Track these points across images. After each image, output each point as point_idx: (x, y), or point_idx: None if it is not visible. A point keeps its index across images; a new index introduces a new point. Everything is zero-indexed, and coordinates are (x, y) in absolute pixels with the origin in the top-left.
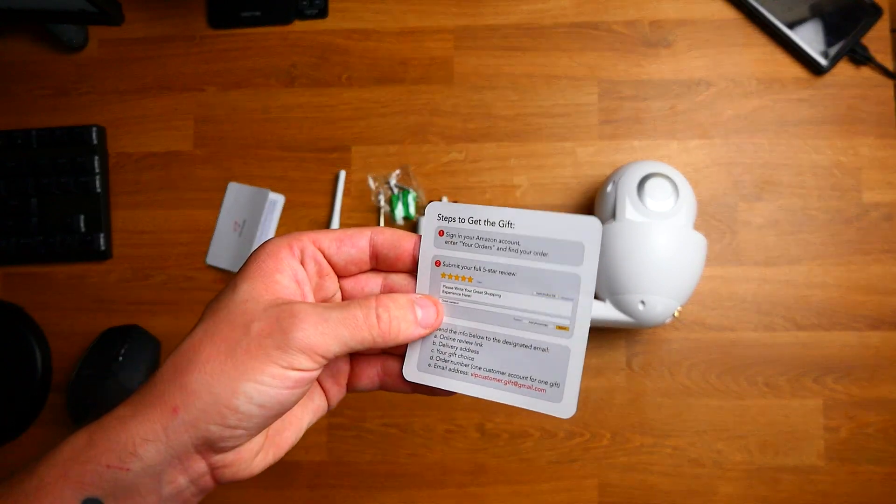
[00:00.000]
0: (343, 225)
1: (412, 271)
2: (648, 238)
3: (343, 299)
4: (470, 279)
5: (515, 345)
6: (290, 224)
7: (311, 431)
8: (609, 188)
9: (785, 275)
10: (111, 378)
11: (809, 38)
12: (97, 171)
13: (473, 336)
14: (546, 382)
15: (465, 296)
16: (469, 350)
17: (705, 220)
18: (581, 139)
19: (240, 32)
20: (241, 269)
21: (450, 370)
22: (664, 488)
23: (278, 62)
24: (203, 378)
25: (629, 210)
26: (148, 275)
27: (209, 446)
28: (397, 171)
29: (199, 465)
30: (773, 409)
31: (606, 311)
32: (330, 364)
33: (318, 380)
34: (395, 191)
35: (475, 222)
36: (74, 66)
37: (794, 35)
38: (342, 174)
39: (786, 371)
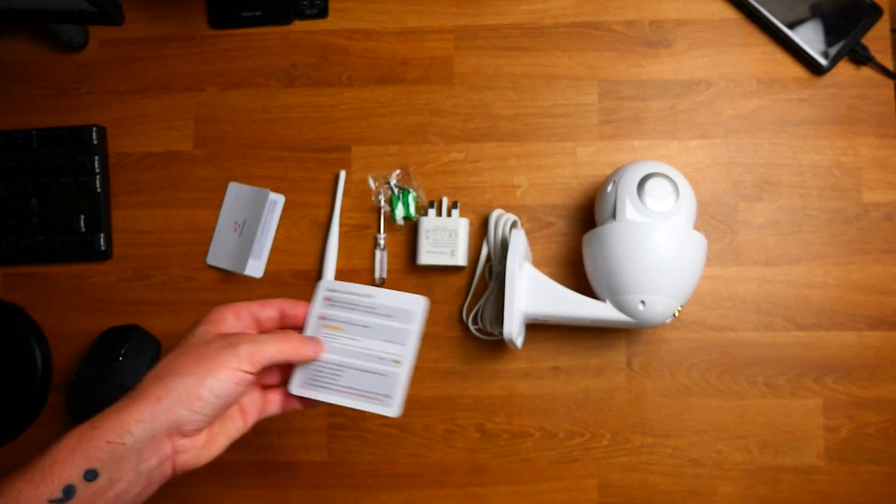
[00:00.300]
0: (343, 225)
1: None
2: (648, 238)
3: None
4: (341, 329)
5: (365, 371)
6: (290, 224)
7: (312, 432)
8: (609, 188)
9: (785, 275)
10: (111, 378)
11: (809, 38)
12: (97, 171)
13: (339, 366)
14: (383, 395)
15: (336, 339)
16: (335, 374)
17: (705, 220)
18: (581, 139)
19: (240, 32)
20: (195, 324)
21: (321, 387)
22: (664, 488)
23: (278, 62)
24: (179, 378)
25: (629, 210)
26: (148, 275)
27: (178, 429)
28: (397, 171)
29: (167, 448)
30: (773, 409)
31: (606, 311)
32: (251, 391)
33: (241, 405)
34: (396, 191)
35: (350, 293)
36: (74, 66)
37: (794, 35)
38: (342, 174)
39: (786, 371)
